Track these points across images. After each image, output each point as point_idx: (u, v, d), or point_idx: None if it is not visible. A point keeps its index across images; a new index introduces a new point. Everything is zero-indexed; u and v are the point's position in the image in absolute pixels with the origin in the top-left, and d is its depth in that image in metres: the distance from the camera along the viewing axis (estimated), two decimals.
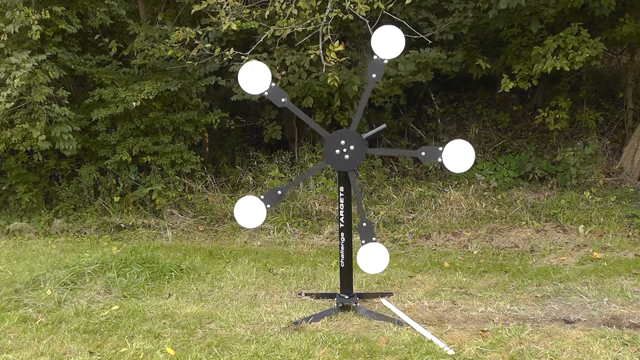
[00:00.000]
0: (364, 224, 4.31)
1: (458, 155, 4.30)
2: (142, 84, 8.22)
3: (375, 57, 4.35)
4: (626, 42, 9.14)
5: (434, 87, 10.06)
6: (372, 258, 4.28)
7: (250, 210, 4.43)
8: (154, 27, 8.56)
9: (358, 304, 4.59)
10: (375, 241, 4.30)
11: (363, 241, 4.30)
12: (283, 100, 4.43)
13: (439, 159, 4.31)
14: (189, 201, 8.37)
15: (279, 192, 4.46)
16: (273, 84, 4.42)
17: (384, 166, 8.90)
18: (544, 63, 7.82)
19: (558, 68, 7.72)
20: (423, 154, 4.38)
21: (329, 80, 7.45)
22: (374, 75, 4.37)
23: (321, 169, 8.48)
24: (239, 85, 4.47)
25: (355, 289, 4.90)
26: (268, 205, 4.43)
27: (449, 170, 4.37)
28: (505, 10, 7.94)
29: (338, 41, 7.01)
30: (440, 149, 4.29)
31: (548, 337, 4.02)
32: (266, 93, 4.43)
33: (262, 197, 4.44)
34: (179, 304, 4.88)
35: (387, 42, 4.32)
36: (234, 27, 7.11)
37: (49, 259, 6.39)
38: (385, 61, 4.36)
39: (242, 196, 8.08)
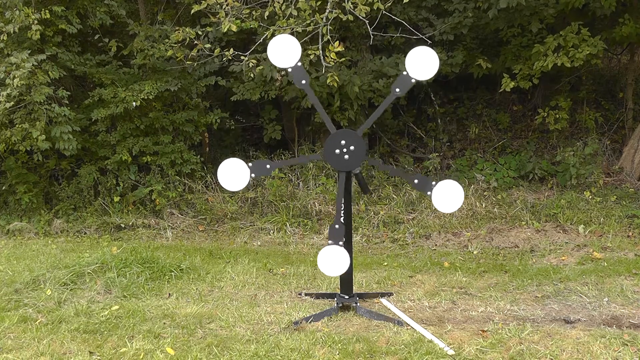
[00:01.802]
0: (416, 180, 4.36)
1: (448, 195, 4.30)
2: (142, 84, 8.22)
3: (405, 73, 4.35)
4: (625, 42, 9.14)
5: (434, 87, 10.06)
6: (332, 260, 4.23)
7: (234, 173, 4.36)
8: (154, 27, 8.56)
9: (358, 304, 4.59)
10: (341, 245, 4.26)
11: (330, 241, 4.29)
12: (304, 82, 4.42)
13: (429, 193, 4.33)
14: (189, 201, 8.37)
15: (268, 166, 4.44)
16: (299, 63, 4.41)
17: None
18: (545, 60, 7.82)
19: (559, 64, 7.72)
20: (416, 181, 4.40)
21: (328, 81, 7.45)
22: (397, 90, 4.38)
23: (319, 166, 8.48)
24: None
25: (355, 289, 4.90)
26: (252, 175, 4.38)
27: (437, 209, 4.38)
28: (505, 10, 7.94)
29: (338, 42, 7.01)
30: (433, 183, 4.32)
31: (548, 337, 4.02)
32: (290, 69, 4.42)
33: (250, 164, 4.40)
34: (179, 304, 4.87)
35: (422, 63, 4.32)
36: (234, 28, 7.12)
37: (49, 259, 6.39)
38: (414, 81, 4.35)
39: (242, 195, 8.08)
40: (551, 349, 3.84)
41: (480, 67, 8.89)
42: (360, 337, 4.09)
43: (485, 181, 8.29)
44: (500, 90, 8.59)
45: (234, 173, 4.38)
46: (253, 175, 4.39)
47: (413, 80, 4.36)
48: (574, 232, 6.83)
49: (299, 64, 4.41)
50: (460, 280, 5.36)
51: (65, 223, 8.11)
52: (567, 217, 7.14)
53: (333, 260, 4.22)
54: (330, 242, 4.26)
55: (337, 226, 4.28)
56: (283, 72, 8.05)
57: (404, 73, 4.36)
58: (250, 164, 4.38)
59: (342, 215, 4.40)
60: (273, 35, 7.26)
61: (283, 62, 4.42)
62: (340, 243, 4.27)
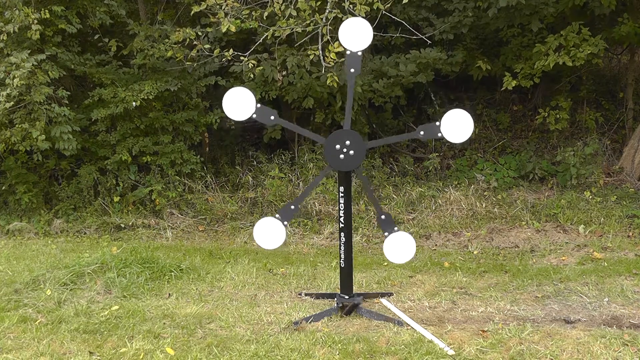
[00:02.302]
0: (383, 217, 4.35)
1: (456, 124, 4.31)
2: (142, 84, 8.22)
3: (348, 52, 4.37)
4: (625, 42, 9.15)
5: (434, 87, 10.06)
6: (398, 248, 4.31)
7: (269, 231, 4.41)
8: (154, 27, 8.55)
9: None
10: (398, 230, 4.32)
11: (386, 233, 4.32)
12: (272, 117, 4.43)
13: (439, 134, 4.32)
14: (189, 201, 8.36)
15: (292, 207, 4.43)
16: (258, 105, 4.41)
17: (384, 166, 8.89)
18: (546, 59, 7.82)
19: (561, 63, 7.72)
20: (422, 133, 4.38)
21: (328, 81, 7.45)
22: (352, 70, 4.39)
23: (319, 166, 8.48)
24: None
25: (355, 289, 4.89)
26: (285, 222, 4.41)
27: (449, 141, 4.35)
28: (505, 9, 7.94)
29: (338, 42, 7.01)
30: (438, 123, 4.31)
31: (548, 337, 4.01)
32: (254, 116, 4.42)
33: (277, 215, 4.41)
34: (179, 304, 4.87)
35: (355, 34, 4.34)
36: (232, 28, 7.11)
37: (49, 259, 6.39)
38: (360, 53, 4.36)
39: (242, 195, 8.08)
40: (551, 349, 3.84)
41: (480, 68, 8.88)
42: (360, 337, 4.09)
43: (486, 181, 8.28)
44: (502, 89, 8.58)
45: (269, 232, 4.40)
46: (286, 223, 4.41)
47: (360, 54, 4.37)
48: (574, 232, 6.83)
49: (258, 105, 4.40)
50: (460, 280, 5.36)
51: (65, 223, 8.11)
52: (567, 217, 7.14)
53: (399, 248, 4.32)
54: (386, 233, 4.33)
55: (383, 217, 4.35)
56: (284, 72, 8.05)
57: (348, 52, 4.38)
58: (277, 215, 4.38)
59: (379, 205, 4.45)
60: (273, 35, 7.26)
61: (243, 114, 4.40)
62: (396, 228, 4.32)
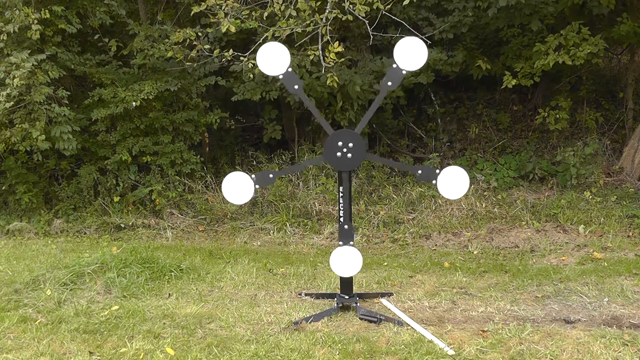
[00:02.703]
0: (346, 226, 4.38)
1: (453, 182, 4.34)
2: (142, 84, 8.22)
3: (394, 65, 4.33)
4: (625, 42, 9.15)
5: (434, 87, 10.06)
6: (345, 260, 4.34)
7: (238, 186, 4.39)
8: (154, 27, 8.55)
9: (358, 304, 4.58)
10: (352, 245, 4.35)
11: (341, 242, 4.33)
12: (296, 87, 4.42)
13: (434, 182, 4.37)
14: (189, 201, 8.36)
15: (271, 175, 4.45)
16: (290, 69, 4.41)
17: (384, 166, 8.89)
18: (546, 59, 7.83)
19: (560, 62, 7.72)
20: (419, 172, 4.41)
21: (328, 81, 7.45)
22: (389, 84, 4.36)
23: (320, 168, 8.48)
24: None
25: (355, 289, 4.89)
26: (257, 186, 4.41)
27: (442, 196, 4.39)
28: (505, 9, 7.94)
29: (337, 42, 7.01)
30: (438, 171, 4.35)
31: (548, 337, 4.01)
32: (281, 76, 4.42)
33: (253, 176, 4.42)
34: (179, 304, 4.87)
35: (410, 54, 4.30)
36: (232, 29, 7.11)
37: (49, 259, 6.39)
38: (404, 72, 4.33)
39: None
40: (551, 349, 3.84)
41: (480, 68, 8.89)
42: (360, 337, 4.09)
43: (486, 181, 8.28)
44: (502, 87, 8.58)
45: (238, 186, 4.41)
46: (257, 186, 4.41)
47: (404, 72, 4.35)
48: (574, 232, 6.83)
49: (290, 69, 4.40)
50: (460, 280, 5.36)
51: (65, 223, 8.11)
52: (567, 217, 7.14)
53: (346, 261, 4.33)
54: (340, 242, 4.33)
55: (346, 227, 4.34)
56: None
57: (394, 66, 4.34)
58: (253, 176, 4.40)
59: (350, 214, 4.46)
60: (273, 35, 7.26)
61: (273, 69, 4.41)
62: (351, 243, 4.32)
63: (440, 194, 4.44)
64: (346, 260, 4.35)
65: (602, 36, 7.97)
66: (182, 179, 8.54)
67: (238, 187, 4.40)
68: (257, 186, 4.41)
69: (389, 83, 4.37)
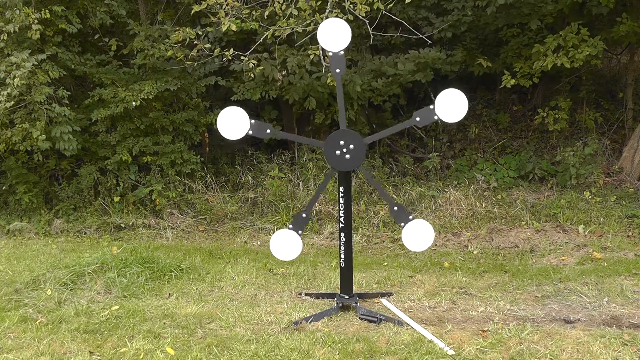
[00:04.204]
0: (395, 208, 4.34)
1: (451, 104, 4.26)
2: (142, 83, 8.22)
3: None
4: (624, 42, 9.16)
5: (434, 87, 10.06)
6: (416, 236, 4.32)
7: (285, 243, 4.45)
8: (154, 27, 8.56)
9: (358, 304, 4.59)
10: (413, 219, 4.32)
11: (402, 224, 4.32)
12: (268, 131, 4.44)
13: (435, 117, 4.28)
14: (189, 201, 8.37)
15: (304, 215, 4.46)
16: (252, 121, 4.42)
17: (384, 166, 8.90)
18: (544, 60, 7.83)
19: (559, 64, 7.73)
20: (418, 119, 4.34)
21: (328, 81, 7.45)
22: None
23: (319, 166, 8.48)
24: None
25: (355, 289, 4.90)
26: (299, 232, 4.44)
27: (444, 122, 4.32)
28: (504, 8, 7.94)
29: None
30: (432, 107, 4.27)
31: (548, 337, 4.02)
32: (250, 132, 4.43)
33: (291, 226, 4.44)
34: (179, 304, 4.88)
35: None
36: (233, 27, 7.12)
37: (49, 259, 6.40)
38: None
39: (242, 195, 8.07)
40: (551, 349, 3.84)
41: (481, 65, 8.89)
42: (360, 337, 4.10)
43: (485, 181, 8.29)
44: (501, 87, 8.59)
45: (285, 243, 4.44)
46: (300, 232, 4.43)
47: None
48: (573, 232, 6.83)
49: (252, 121, 4.42)
50: (460, 280, 5.36)
51: (65, 223, 8.12)
52: (567, 217, 7.14)
53: (417, 236, 4.32)
54: (402, 224, 4.32)
55: (395, 208, 4.34)
56: (284, 72, 8.05)
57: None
58: (290, 226, 4.43)
59: (390, 197, 4.43)
60: (273, 35, 7.27)
61: (238, 133, 4.42)
62: (411, 217, 4.31)
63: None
64: (417, 235, 4.34)
65: (601, 36, 7.98)
66: (182, 179, 8.55)
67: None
68: (299, 232, 4.43)
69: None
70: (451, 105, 4.26)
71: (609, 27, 8.38)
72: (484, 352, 3.84)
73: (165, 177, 8.44)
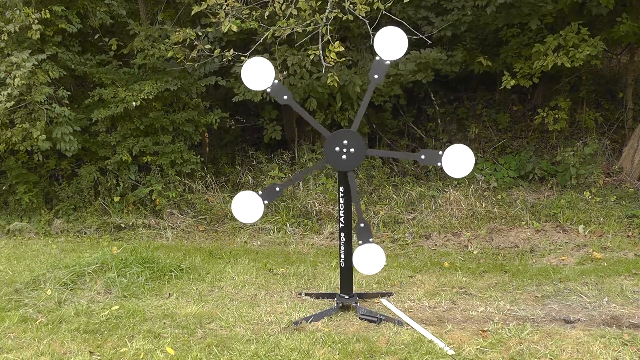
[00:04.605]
0: (362, 225, 4.31)
1: (458, 159, 4.23)
2: (142, 84, 8.22)
3: (377, 58, 4.35)
4: (624, 42, 9.16)
5: (434, 87, 10.07)
6: (369, 259, 4.29)
7: (248, 205, 4.44)
8: (154, 27, 8.56)
9: (358, 304, 4.59)
10: (372, 242, 4.30)
11: (360, 242, 4.30)
12: (285, 97, 4.45)
13: (439, 164, 4.26)
14: (189, 201, 8.37)
15: (277, 189, 4.47)
16: (276, 81, 4.43)
17: (384, 166, 8.90)
18: (545, 60, 7.83)
19: (559, 64, 7.73)
20: (423, 157, 4.33)
21: (328, 81, 7.46)
22: (375, 76, 4.37)
23: (321, 169, 8.48)
24: (241, 83, 4.47)
25: (355, 289, 4.90)
26: (266, 201, 4.43)
27: (448, 175, 4.32)
28: (504, 7, 7.94)
29: (338, 42, 7.01)
30: (440, 152, 4.24)
31: (548, 337, 4.02)
32: (269, 90, 4.44)
33: (260, 192, 4.44)
34: (179, 304, 4.88)
35: (390, 44, 4.31)
36: (234, 28, 7.12)
37: (49, 259, 6.40)
38: (388, 62, 4.35)
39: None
40: (551, 349, 3.84)
41: (481, 64, 8.89)
42: (360, 337, 4.10)
43: (485, 181, 8.29)
44: (501, 88, 8.59)
45: (247, 205, 4.44)
46: (266, 201, 4.43)
47: (388, 63, 4.34)
48: (573, 232, 6.84)
49: (276, 81, 4.42)
50: (460, 280, 5.36)
51: (65, 223, 8.12)
52: (567, 217, 7.14)
53: (369, 259, 4.28)
54: (360, 242, 4.29)
55: (362, 225, 4.31)
56: (285, 73, 8.05)
57: (377, 58, 4.34)
58: (260, 192, 4.43)
59: (362, 213, 4.40)
60: (273, 35, 7.27)
61: (259, 84, 4.43)
62: (371, 240, 4.29)
63: (448, 175, 4.31)
64: (369, 258, 4.32)
65: (601, 36, 7.98)
66: (182, 179, 8.55)
67: (248, 206, 4.44)
68: (265, 202, 4.43)
69: (375, 76, 4.38)
70: (458, 162, 4.22)
71: (609, 27, 8.39)
72: (484, 352, 3.84)
73: (165, 177, 8.44)
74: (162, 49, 8.07)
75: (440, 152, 4.24)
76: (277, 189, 4.46)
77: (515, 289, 5.08)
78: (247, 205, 4.44)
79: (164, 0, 9.60)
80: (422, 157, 4.34)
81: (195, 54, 7.67)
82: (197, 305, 4.82)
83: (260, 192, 4.44)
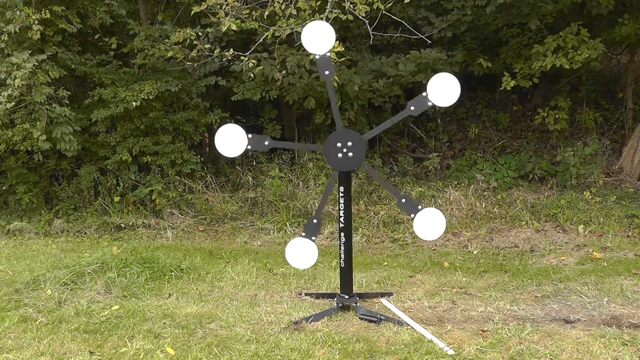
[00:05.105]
0: (403, 200, 4.32)
1: (443, 89, 4.25)
2: (142, 84, 8.22)
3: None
4: (624, 42, 9.16)
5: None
6: (429, 225, 4.29)
7: (301, 251, 4.42)
8: (154, 27, 8.56)
9: (358, 304, 4.59)
10: (422, 209, 4.29)
11: (412, 215, 4.29)
12: (266, 143, 4.42)
13: (429, 104, 4.28)
14: (189, 201, 8.37)
15: (315, 221, 4.43)
16: (250, 135, 4.38)
17: (384, 166, 8.90)
18: (544, 60, 7.83)
19: (558, 65, 7.73)
20: (412, 108, 4.32)
21: None
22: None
23: (319, 166, 8.48)
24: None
25: (355, 289, 4.90)
26: (313, 238, 4.41)
27: (439, 106, 4.33)
28: (504, 7, 7.94)
29: (338, 41, 7.01)
30: (424, 94, 4.26)
31: (548, 337, 4.02)
32: (249, 147, 4.41)
33: (304, 233, 4.41)
34: (179, 304, 4.88)
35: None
36: (234, 27, 7.12)
37: (49, 259, 6.40)
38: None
39: (242, 195, 8.08)
40: (551, 348, 3.84)
41: (481, 65, 8.89)
42: (360, 337, 4.10)
43: (485, 181, 8.29)
44: (501, 89, 8.59)
45: (301, 251, 4.42)
46: (314, 238, 4.41)
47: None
48: (573, 232, 6.84)
49: (249, 135, 4.38)
50: (460, 280, 5.36)
51: (65, 223, 8.12)
52: (567, 217, 7.14)
53: (429, 225, 4.28)
54: (412, 215, 4.30)
55: (403, 200, 4.31)
56: (284, 72, 8.05)
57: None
58: (303, 234, 4.41)
59: (398, 190, 4.40)
60: (273, 35, 7.27)
61: (237, 150, 4.38)
62: (420, 207, 4.29)
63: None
64: (428, 224, 4.31)
65: (602, 37, 7.98)
66: (182, 179, 8.55)
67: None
68: (313, 239, 4.40)
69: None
70: (443, 90, 4.25)
71: (609, 28, 8.38)
72: (484, 352, 3.84)
73: (165, 177, 8.44)
74: (162, 49, 8.07)
75: (424, 93, 4.27)
76: (315, 221, 4.42)
77: (515, 289, 5.08)
78: (301, 252, 4.41)
79: (164, 0, 9.60)
80: (412, 108, 4.31)
81: (195, 53, 7.68)
82: (197, 305, 4.82)
83: (303, 234, 4.39)
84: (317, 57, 4.38)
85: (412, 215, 4.32)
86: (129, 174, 8.47)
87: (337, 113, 4.51)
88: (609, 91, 10.18)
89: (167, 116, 8.63)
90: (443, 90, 4.29)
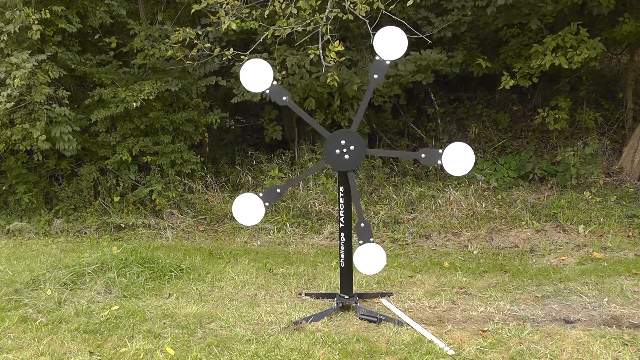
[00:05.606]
0: (362, 224, 4.30)
1: (458, 157, 4.21)
2: (142, 84, 8.22)
3: (377, 58, 4.34)
4: (626, 42, 9.16)
5: (434, 87, 10.07)
6: (369, 258, 4.28)
7: (248, 208, 4.42)
8: (154, 26, 8.56)
9: (358, 304, 4.59)
10: (373, 242, 4.29)
11: (360, 241, 4.30)
12: (284, 98, 4.42)
13: (439, 162, 4.24)
14: (189, 201, 8.37)
15: (278, 191, 4.45)
16: (275, 82, 4.42)
17: (384, 166, 8.89)
18: (543, 59, 7.83)
19: (557, 64, 7.73)
20: (423, 155, 4.31)
21: (328, 80, 7.45)
22: (375, 76, 4.36)
23: (321, 169, 8.48)
24: (241, 84, 4.44)
25: (355, 289, 4.90)
26: (266, 203, 4.42)
27: (448, 173, 4.30)
28: (504, 7, 7.94)
29: (338, 41, 7.01)
30: (440, 151, 4.23)
31: (548, 337, 4.02)
32: (267, 91, 4.42)
33: (261, 194, 4.43)
34: (179, 304, 4.88)
35: (390, 43, 4.30)
36: (234, 26, 7.12)
37: (49, 259, 6.40)
38: (388, 62, 4.34)
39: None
40: (551, 349, 3.84)
41: (480, 66, 8.89)
42: (360, 337, 4.10)
43: (485, 181, 8.29)
44: (500, 88, 8.59)
45: (248, 208, 4.42)
46: (267, 203, 4.41)
47: (387, 62, 4.32)
48: (574, 232, 6.83)
49: (274, 82, 4.40)
50: (460, 280, 5.36)
51: (65, 223, 8.12)
52: (567, 217, 7.14)
53: (370, 259, 4.26)
54: (360, 242, 4.27)
55: (362, 224, 4.29)
56: (284, 72, 8.05)
57: (377, 58, 4.33)
58: (260, 194, 4.41)
59: (362, 212, 4.38)
60: (273, 35, 7.27)
61: (257, 86, 4.40)
62: (372, 239, 4.27)
63: (448, 173, 4.27)
64: (370, 258, 4.30)
65: (602, 37, 7.97)
66: (182, 179, 8.55)
67: (249, 208, 4.42)
68: (266, 204, 4.41)
69: (375, 76, 4.36)
70: (458, 160, 4.20)
71: (610, 27, 8.38)
72: (484, 352, 3.84)
73: (165, 177, 8.44)
74: (162, 49, 8.07)
75: (440, 151, 4.23)
76: (278, 190, 4.45)
77: (515, 289, 5.08)
78: (248, 208, 4.43)
79: (164, 0, 9.60)
80: (422, 155, 4.32)
81: (195, 53, 7.67)
82: (197, 305, 4.82)
83: (260, 194, 4.43)
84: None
85: (360, 242, 4.29)
86: (129, 174, 8.47)
87: (361, 115, 4.50)
88: (609, 91, 10.17)
89: (167, 116, 8.63)
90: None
